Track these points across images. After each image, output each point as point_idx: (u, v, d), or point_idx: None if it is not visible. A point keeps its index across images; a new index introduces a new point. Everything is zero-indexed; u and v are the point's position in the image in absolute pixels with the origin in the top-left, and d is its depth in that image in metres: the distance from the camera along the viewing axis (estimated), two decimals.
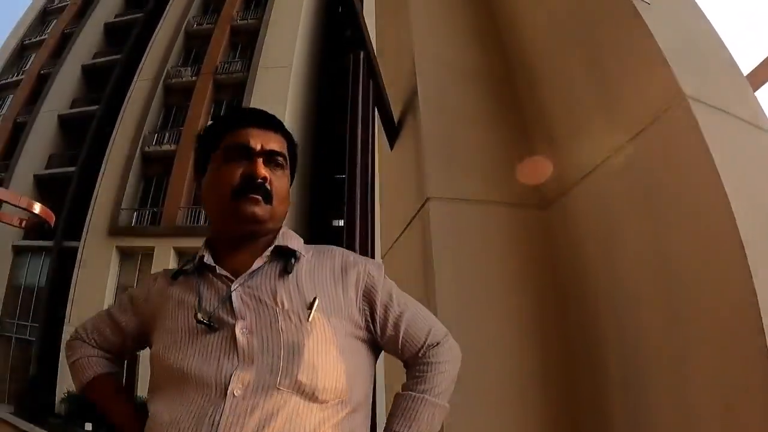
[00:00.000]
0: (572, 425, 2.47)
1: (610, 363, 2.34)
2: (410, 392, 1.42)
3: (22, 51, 36.94)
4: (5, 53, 36.61)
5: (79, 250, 25.16)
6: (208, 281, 1.42)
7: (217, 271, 1.41)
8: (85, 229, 25.60)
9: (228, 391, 1.23)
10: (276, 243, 1.45)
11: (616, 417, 2.28)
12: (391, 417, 1.40)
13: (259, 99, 26.28)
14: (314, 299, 1.36)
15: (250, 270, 1.40)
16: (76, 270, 24.84)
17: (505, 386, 2.49)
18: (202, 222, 24.55)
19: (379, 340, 1.47)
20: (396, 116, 3.65)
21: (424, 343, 1.46)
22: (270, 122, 1.54)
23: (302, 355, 1.27)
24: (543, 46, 3.05)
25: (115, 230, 25.28)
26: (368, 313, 1.45)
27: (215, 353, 1.29)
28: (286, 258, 1.44)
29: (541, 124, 2.98)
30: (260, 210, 1.40)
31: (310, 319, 1.32)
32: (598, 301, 2.44)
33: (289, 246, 1.46)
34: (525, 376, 2.53)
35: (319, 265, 1.47)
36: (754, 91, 2.50)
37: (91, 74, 33.40)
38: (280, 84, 26.68)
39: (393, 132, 3.64)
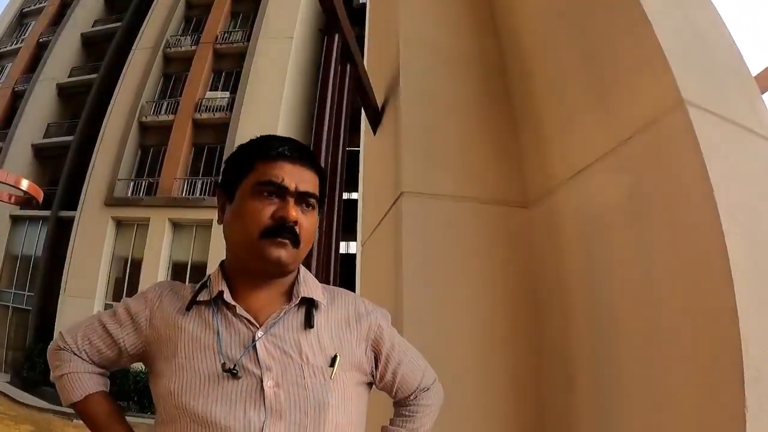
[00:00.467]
0: (539, 425, 2.44)
1: (584, 373, 2.27)
2: (400, 428, 1.59)
3: (21, 18, 36.58)
4: (4, 21, 36.25)
5: (75, 220, 25.15)
6: (226, 320, 1.40)
7: (238, 312, 1.40)
8: (81, 199, 25.54)
9: None
10: (301, 293, 1.45)
11: (584, 422, 2.24)
12: None
13: (259, 69, 26.21)
14: (335, 356, 1.40)
15: (273, 317, 1.40)
16: (72, 240, 24.84)
17: (469, 389, 2.45)
18: (197, 193, 24.68)
19: (376, 383, 1.56)
20: (380, 102, 3.56)
21: (417, 388, 1.61)
22: (306, 158, 1.48)
23: (327, 413, 1.33)
24: (540, 36, 2.92)
25: (111, 201, 25.17)
26: (373, 362, 1.53)
27: (240, 403, 1.29)
28: (306, 305, 1.46)
29: (531, 118, 2.86)
30: (286, 254, 1.38)
31: (332, 377, 1.37)
32: (575, 309, 2.37)
33: (313, 297, 1.46)
34: (492, 381, 2.49)
35: (335, 315, 1.49)
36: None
37: (90, 42, 33.07)
38: (281, 55, 26.44)
39: (376, 117, 3.59)
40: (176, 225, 24.77)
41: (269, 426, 1.27)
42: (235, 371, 1.30)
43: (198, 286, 1.48)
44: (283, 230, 1.37)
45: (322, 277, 2.43)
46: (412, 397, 1.61)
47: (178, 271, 23.81)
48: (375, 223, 3.22)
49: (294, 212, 1.38)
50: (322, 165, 2.60)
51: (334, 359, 1.39)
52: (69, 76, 31.73)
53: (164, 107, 27.53)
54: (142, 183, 25.95)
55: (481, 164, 2.86)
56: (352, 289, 3.48)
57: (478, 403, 2.44)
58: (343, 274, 2.82)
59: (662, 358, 1.85)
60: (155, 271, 23.07)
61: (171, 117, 26.80)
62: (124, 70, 28.46)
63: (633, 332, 2.00)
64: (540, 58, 2.86)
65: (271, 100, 24.78)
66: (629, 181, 2.10)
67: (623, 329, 2.06)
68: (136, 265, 24.20)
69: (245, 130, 23.17)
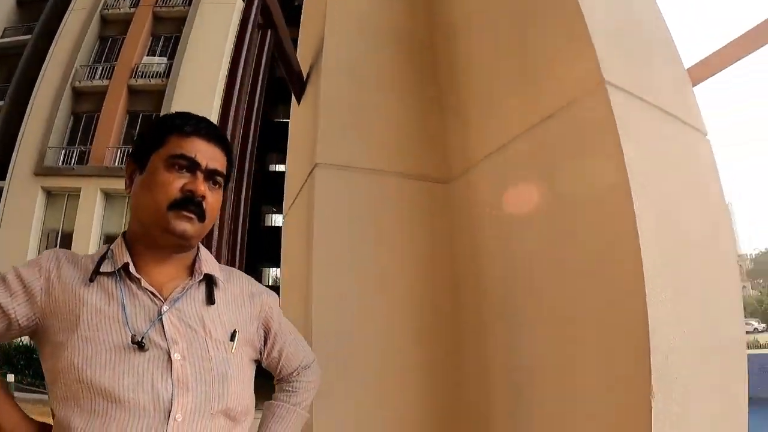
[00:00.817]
0: (454, 406, 2.47)
1: (498, 355, 2.29)
2: (284, 403, 1.74)
3: None
4: None
5: (4, 191, 24.28)
6: (131, 292, 1.42)
7: (143, 285, 1.43)
8: (10, 169, 24.64)
9: (170, 416, 1.29)
10: (204, 269, 1.52)
11: (499, 405, 2.26)
12: (266, 420, 1.72)
13: (200, 35, 25.84)
14: (234, 331, 1.49)
15: (177, 292, 1.46)
16: (0, 212, 24.03)
17: (389, 370, 2.44)
18: None
19: (263, 359, 1.68)
20: (306, 71, 3.52)
21: (299, 366, 1.77)
22: (218, 138, 1.55)
23: (230, 384, 1.40)
24: (469, 12, 2.87)
25: (41, 170, 24.44)
26: (263, 340, 1.65)
27: (147, 375, 1.31)
28: (206, 281, 1.53)
29: (456, 94, 2.84)
30: (191, 228, 1.44)
31: (233, 351, 1.46)
32: (491, 287, 2.38)
33: (214, 274, 1.54)
34: (407, 361, 2.48)
35: (232, 293, 1.59)
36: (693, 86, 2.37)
37: (25, 1, 31.68)
38: (222, 20, 25.88)
39: (301, 87, 3.56)
40: (108, 195, 24.28)
41: (177, 397, 1.30)
42: (143, 344, 1.32)
43: (99, 256, 1.48)
44: (191, 204, 1.43)
45: (229, 250, 2.43)
46: (294, 374, 1.77)
47: (110, 243, 23.15)
48: (294, 195, 3.23)
49: (203, 187, 1.45)
50: (229, 134, 2.53)
51: (233, 334, 1.47)
52: (1, 37, 30.44)
53: (99, 72, 26.67)
54: (73, 151, 25.23)
55: (403, 138, 2.85)
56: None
57: (393, 381, 2.45)
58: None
59: (574, 343, 1.87)
60: (86, 244, 22.44)
61: (105, 82, 26.10)
62: (58, 32, 27.46)
63: (545, 314, 2.01)
64: (468, 34, 2.85)
65: (210, 67, 24.41)
66: (545, 161, 2.08)
67: (536, 311, 2.07)
68: (67, 238, 23.55)
69: (182, 97, 22.92)
